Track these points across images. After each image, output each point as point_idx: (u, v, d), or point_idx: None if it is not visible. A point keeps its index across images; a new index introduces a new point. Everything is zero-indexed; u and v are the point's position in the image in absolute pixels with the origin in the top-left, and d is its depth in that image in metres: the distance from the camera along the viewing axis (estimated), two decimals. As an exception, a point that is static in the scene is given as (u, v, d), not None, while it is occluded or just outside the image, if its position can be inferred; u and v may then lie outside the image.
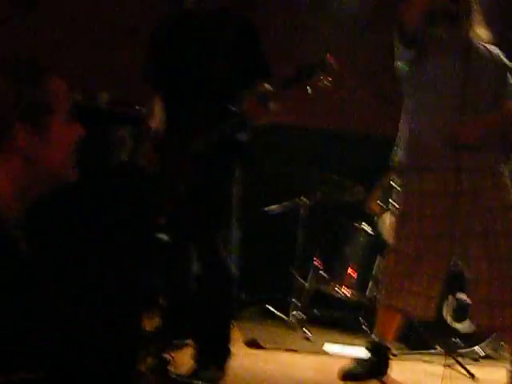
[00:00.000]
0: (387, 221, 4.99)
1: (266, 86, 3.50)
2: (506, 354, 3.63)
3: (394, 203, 3.71)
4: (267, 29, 5.71)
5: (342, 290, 5.04)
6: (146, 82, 3.79)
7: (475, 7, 3.54)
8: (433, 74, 3.51)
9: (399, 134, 3.68)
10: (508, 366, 3.52)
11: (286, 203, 5.23)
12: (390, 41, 5.74)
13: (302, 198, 5.15)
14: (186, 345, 3.73)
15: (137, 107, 4.86)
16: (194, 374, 3.42)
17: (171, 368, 3.32)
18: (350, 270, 5.05)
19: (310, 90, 3.36)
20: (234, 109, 3.47)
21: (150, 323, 3.52)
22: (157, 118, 3.72)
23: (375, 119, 6.05)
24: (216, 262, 3.53)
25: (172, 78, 3.60)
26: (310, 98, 5.45)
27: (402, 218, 3.58)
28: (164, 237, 3.39)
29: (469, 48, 3.49)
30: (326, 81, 3.32)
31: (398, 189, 3.76)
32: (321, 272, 5.11)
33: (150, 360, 3.29)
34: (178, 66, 3.57)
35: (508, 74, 3.61)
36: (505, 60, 3.64)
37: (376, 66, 6.03)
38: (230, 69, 3.57)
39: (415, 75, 3.58)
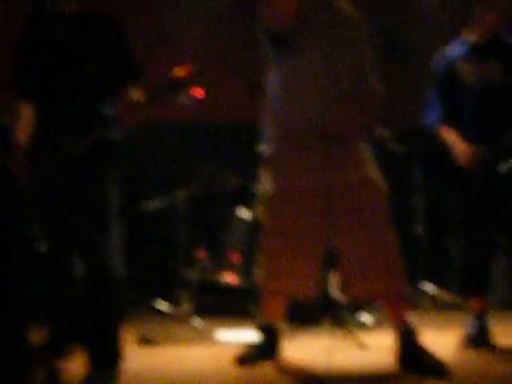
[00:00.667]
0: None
1: (138, 94, 3.52)
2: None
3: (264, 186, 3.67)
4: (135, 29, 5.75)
5: (228, 277, 5.10)
6: (14, 88, 3.73)
7: None
8: (300, 61, 3.52)
9: (265, 122, 3.69)
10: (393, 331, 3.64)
11: (163, 198, 5.23)
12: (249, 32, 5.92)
13: (178, 191, 5.17)
14: (77, 351, 3.68)
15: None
16: (88, 380, 3.39)
17: (63, 377, 3.28)
18: (233, 257, 5.11)
19: (185, 101, 3.40)
20: (107, 111, 3.47)
21: (38, 335, 3.48)
22: (25, 125, 3.65)
23: (242, 107, 6.13)
24: (97, 264, 3.50)
25: (40, 81, 3.54)
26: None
27: (274, 198, 3.60)
28: (39, 244, 3.35)
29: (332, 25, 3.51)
30: (199, 91, 3.36)
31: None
32: (205, 262, 5.15)
33: (40, 373, 3.24)
34: (46, 68, 3.50)
35: (366, 49, 3.60)
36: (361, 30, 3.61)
37: (239, 54, 6.11)
38: (100, 68, 3.54)
39: (283, 65, 3.58)
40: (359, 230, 3.45)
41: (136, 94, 3.50)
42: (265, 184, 3.64)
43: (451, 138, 4.08)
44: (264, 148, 3.70)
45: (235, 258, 5.12)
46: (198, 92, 3.38)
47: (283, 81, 3.56)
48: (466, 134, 4.03)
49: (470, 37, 4.18)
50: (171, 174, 5.33)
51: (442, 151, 4.10)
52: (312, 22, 3.53)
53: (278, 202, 3.56)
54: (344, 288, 3.58)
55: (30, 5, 3.75)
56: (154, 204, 5.25)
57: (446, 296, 5.32)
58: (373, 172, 3.55)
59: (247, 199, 5.21)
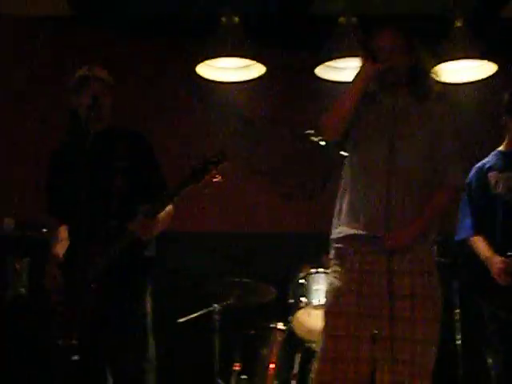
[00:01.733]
0: (301, 318, 5.05)
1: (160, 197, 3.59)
2: None
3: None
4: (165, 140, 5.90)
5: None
6: (48, 211, 3.82)
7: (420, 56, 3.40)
8: (361, 163, 3.37)
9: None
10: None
11: (199, 312, 5.22)
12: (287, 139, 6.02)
13: (214, 304, 5.17)
14: None
15: (43, 230, 4.86)
16: None
17: None
18: (269, 370, 5.05)
19: (207, 189, 3.44)
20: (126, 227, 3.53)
21: None
22: (63, 242, 3.72)
23: (280, 218, 6.18)
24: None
25: (71, 202, 3.61)
26: (215, 202, 5.56)
27: (337, 295, 3.35)
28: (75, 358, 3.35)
29: (399, 115, 3.34)
30: (220, 176, 3.41)
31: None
32: (242, 376, 5.09)
33: None
34: (76, 188, 3.53)
35: (452, 139, 3.41)
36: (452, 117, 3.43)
37: (276, 164, 6.19)
38: (127, 185, 3.63)
39: (349, 165, 3.45)
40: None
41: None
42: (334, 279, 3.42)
43: (484, 251, 4.06)
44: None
45: (271, 370, 5.06)
46: (219, 179, 3.42)
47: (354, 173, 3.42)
48: (500, 246, 4.01)
49: (504, 147, 4.22)
50: (209, 285, 5.33)
51: (477, 264, 4.07)
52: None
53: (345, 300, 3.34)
54: None
55: (69, 125, 3.88)
56: (190, 318, 5.23)
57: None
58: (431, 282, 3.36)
59: (283, 311, 5.18)
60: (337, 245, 3.41)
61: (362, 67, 3.30)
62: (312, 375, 3.40)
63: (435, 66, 4.98)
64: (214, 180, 3.42)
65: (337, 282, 3.36)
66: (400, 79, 3.36)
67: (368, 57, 3.26)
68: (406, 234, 3.27)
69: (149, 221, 3.49)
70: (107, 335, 3.52)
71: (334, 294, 3.37)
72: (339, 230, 3.40)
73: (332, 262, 3.44)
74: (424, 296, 3.29)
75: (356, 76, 3.32)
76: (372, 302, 3.29)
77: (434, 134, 3.34)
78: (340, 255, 3.40)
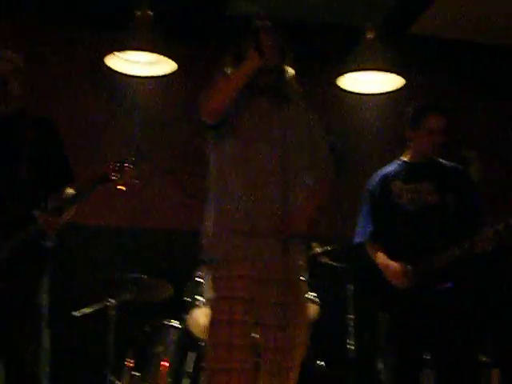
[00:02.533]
0: (196, 316, 5.05)
1: (66, 192, 3.53)
2: None
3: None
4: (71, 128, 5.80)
5: (158, 387, 5.01)
6: None
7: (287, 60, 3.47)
8: (241, 153, 3.33)
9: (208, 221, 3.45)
10: None
11: (94, 306, 5.15)
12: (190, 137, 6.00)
13: (109, 299, 5.11)
14: None
15: None
16: None
17: None
18: (162, 367, 5.03)
19: (122, 188, 3.41)
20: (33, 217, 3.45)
21: None
22: None
23: (181, 215, 6.16)
24: (25, 377, 3.42)
25: None
26: (118, 197, 5.51)
27: (219, 304, 3.32)
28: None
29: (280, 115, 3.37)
30: (135, 177, 3.38)
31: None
32: (133, 372, 5.05)
33: None
34: None
35: (318, 130, 3.52)
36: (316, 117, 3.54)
37: (177, 163, 6.18)
38: (33, 172, 3.55)
39: (220, 158, 3.40)
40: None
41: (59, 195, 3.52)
42: (207, 292, 3.41)
43: (380, 256, 4.15)
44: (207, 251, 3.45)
45: (164, 367, 5.04)
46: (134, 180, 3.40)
47: (232, 170, 3.36)
48: (398, 255, 4.11)
49: (408, 158, 4.32)
50: (103, 280, 5.27)
51: (372, 269, 4.17)
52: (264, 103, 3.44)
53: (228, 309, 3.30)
54: None
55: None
56: (84, 310, 5.16)
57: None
58: (301, 288, 3.43)
59: (178, 309, 5.17)
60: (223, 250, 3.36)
61: (250, 58, 3.31)
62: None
63: (343, 74, 5.14)
64: (130, 181, 3.40)
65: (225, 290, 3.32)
66: (270, 84, 3.44)
67: (257, 50, 3.28)
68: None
69: (57, 216, 3.43)
70: (1, 327, 3.44)
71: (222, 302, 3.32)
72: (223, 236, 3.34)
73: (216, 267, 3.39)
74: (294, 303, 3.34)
75: (242, 65, 3.34)
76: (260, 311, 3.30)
77: (307, 136, 3.44)
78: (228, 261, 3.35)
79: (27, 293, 3.51)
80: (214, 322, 3.32)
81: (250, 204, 3.28)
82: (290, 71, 3.50)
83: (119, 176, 3.41)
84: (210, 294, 3.38)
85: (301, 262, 3.41)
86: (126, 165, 3.41)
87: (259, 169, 3.30)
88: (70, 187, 3.67)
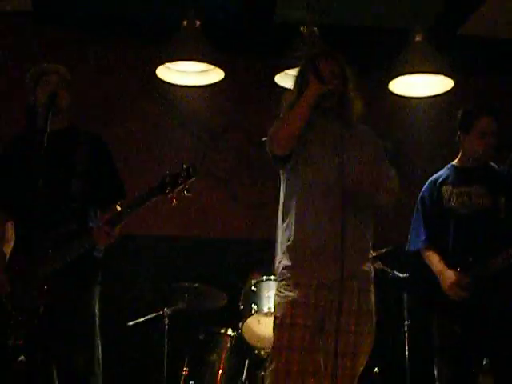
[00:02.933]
0: (251, 325, 5.06)
1: (116, 207, 3.58)
2: None
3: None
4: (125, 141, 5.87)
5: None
6: None
7: (350, 85, 3.55)
8: (308, 177, 3.46)
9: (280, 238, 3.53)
10: None
11: (148, 315, 5.20)
12: (242, 146, 6.03)
13: (164, 308, 5.15)
14: None
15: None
16: None
17: None
18: (217, 375, 5.05)
19: (174, 201, 3.45)
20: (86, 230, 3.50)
21: None
22: (8, 240, 3.67)
23: (233, 224, 6.18)
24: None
25: (23, 199, 3.56)
26: (172, 207, 5.55)
27: (293, 307, 3.39)
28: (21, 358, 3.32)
29: (342, 137, 3.46)
30: (188, 189, 3.42)
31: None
32: (191, 381, 5.07)
33: None
34: (30, 184, 3.48)
35: (384, 154, 3.62)
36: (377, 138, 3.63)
37: (230, 171, 6.20)
38: (85, 187, 3.60)
39: (294, 181, 3.51)
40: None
41: (112, 211, 3.60)
42: (278, 299, 3.48)
43: (436, 264, 4.10)
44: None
45: (219, 376, 5.06)
46: (187, 193, 3.43)
47: (298, 190, 3.50)
48: (452, 259, 4.06)
49: (458, 162, 4.27)
50: (159, 289, 5.31)
51: (429, 277, 4.11)
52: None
53: (288, 318, 3.39)
54: None
55: (26, 121, 3.83)
56: (139, 319, 5.20)
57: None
58: (372, 299, 3.49)
59: (233, 317, 5.18)
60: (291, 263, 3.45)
61: (311, 86, 3.42)
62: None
63: (393, 79, 5.10)
64: (182, 194, 3.44)
65: (291, 294, 3.40)
66: (334, 106, 3.53)
67: (317, 77, 3.40)
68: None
69: (111, 229, 3.48)
70: (55, 336, 3.48)
71: (289, 306, 3.40)
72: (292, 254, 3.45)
73: (285, 274, 3.47)
74: (367, 312, 3.43)
75: (305, 94, 3.43)
76: (324, 315, 3.37)
77: (370, 154, 3.53)
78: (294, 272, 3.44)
79: (79, 303, 3.55)
80: (278, 325, 3.42)
81: (316, 226, 3.41)
82: (353, 95, 3.57)
83: (172, 189, 3.44)
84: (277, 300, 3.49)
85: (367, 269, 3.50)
86: (179, 178, 3.43)
87: (327, 195, 3.41)
88: (121, 203, 3.72)
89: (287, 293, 3.42)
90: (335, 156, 3.43)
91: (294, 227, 3.45)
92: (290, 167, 3.52)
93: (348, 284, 3.37)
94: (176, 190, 3.43)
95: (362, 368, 3.45)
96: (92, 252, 3.59)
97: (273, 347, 3.42)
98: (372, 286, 3.52)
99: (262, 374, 4.79)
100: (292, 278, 3.42)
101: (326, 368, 3.37)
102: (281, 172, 3.61)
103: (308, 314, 3.36)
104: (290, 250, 3.45)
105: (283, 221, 3.52)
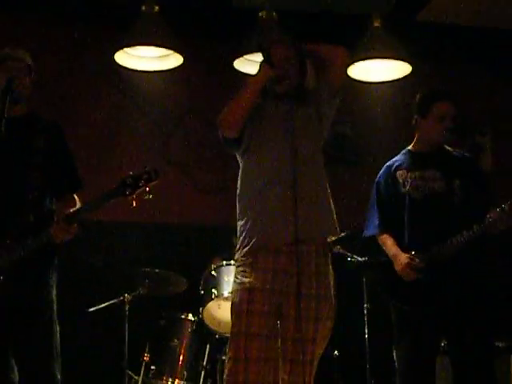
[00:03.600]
0: (211, 309, 5.08)
1: (73, 198, 3.58)
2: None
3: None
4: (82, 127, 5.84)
5: (175, 382, 5.04)
6: None
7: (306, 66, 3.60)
8: (262, 162, 3.49)
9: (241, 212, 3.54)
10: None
11: (109, 301, 5.19)
12: (202, 132, 6.03)
13: (125, 294, 5.14)
14: None
15: None
16: None
17: None
18: (180, 361, 5.07)
19: (134, 203, 3.44)
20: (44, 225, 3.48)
21: None
22: None
23: (193, 210, 6.18)
24: (42, 374, 3.46)
25: None
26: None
27: (250, 293, 3.42)
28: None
29: (295, 128, 3.50)
30: (149, 192, 3.42)
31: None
32: (152, 367, 5.08)
33: None
34: None
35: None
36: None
37: (190, 157, 6.20)
38: (42, 177, 3.58)
39: (247, 165, 3.57)
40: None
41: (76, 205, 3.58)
42: (235, 285, 3.51)
43: (391, 248, 4.15)
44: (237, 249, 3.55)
45: (181, 361, 5.07)
46: (148, 195, 3.43)
47: (248, 179, 3.55)
48: (407, 244, 4.10)
49: (413, 146, 4.31)
50: (120, 275, 5.30)
51: (385, 261, 4.16)
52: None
53: (245, 305, 3.41)
54: None
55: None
56: (100, 305, 5.19)
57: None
58: (331, 282, 3.50)
59: (193, 302, 5.20)
60: (247, 248, 3.47)
61: (260, 69, 3.52)
62: (225, 376, 3.41)
63: (351, 64, 5.13)
64: (143, 197, 3.43)
65: (247, 280, 3.42)
66: (289, 92, 3.57)
67: (266, 61, 3.49)
68: None
69: (70, 226, 3.47)
70: (13, 324, 3.47)
71: (245, 292, 3.42)
72: (249, 234, 3.47)
73: (240, 259, 3.49)
74: (325, 296, 3.44)
75: (253, 77, 3.55)
76: (281, 300, 3.40)
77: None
78: (252, 254, 3.46)
79: (37, 290, 3.53)
80: (235, 312, 3.44)
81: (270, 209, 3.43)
82: (310, 80, 3.63)
83: (132, 191, 3.44)
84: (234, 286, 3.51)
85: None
86: (140, 180, 3.43)
87: (280, 170, 3.46)
88: (78, 196, 3.72)
89: (243, 279, 3.43)
90: (287, 135, 3.48)
91: (248, 207, 3.49)
92: (243, 151, 3.56)
93: (303, 248, 3.41)
94: (136, 192, 3.42)
95: (321, 352, 3.46)
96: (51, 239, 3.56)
97: (231, 333, 3.44)
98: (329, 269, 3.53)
99: (223, 358, 4.81)
100: (248, 264, 3.43)
101: (285, 354, 3.40)
102: (237, 157, 3.64)
103: (265, 300, 3.38)
104: (245, 230, 3.48)
105: (239, 203, 3.55)
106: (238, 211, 3.56)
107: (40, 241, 3.45)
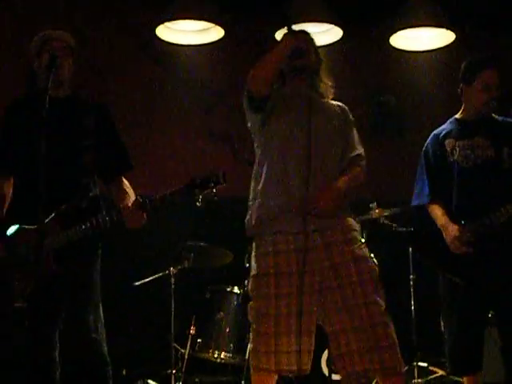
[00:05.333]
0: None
1: (122, 180, 3.65)
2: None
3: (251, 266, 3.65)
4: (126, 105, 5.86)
5: (222, 355, 5.07)
6: None
7: (323, 64, 3.72)
8: (278, 138, 3.57)
9: (251, 197, 3.68)
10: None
11: (156, 275, 5.23)
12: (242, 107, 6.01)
13: (171, 268, 5.18)
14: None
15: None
16: None
17: None
18: (224, 333, 5.11)
19: (199, 203, 3.48)
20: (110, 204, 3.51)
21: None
22: (4, 202, 3.69)
23: (238, 182, 6.18)
24: (88, 344, 3.51)
25: (28, 164, 3.55)
26: (172, 166, 5.54)
27: (257, 280, 3.57)
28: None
29: (312, 105, 3.60)
30: (214, 194, 3.46)
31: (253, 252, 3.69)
32: (198, 340, 5.12)
33: None
34: (33, 150, 3.34)
35: (354, 131, 3.71)
36: (351, 116, 3.73)
37: (232, 130, 6.20)
38: (94, 161, 3.61)
39: (263, 140, 3.64)
40: (349, 309, 3.42)
41: (127, 187, 3.65)
42: (252, 264, 3.62)
43: (440, 218, 4.11)
44: (249, 225, 3.66)
45: (227, 334, 5.11)
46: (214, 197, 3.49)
47: (265, 153, 3.62)
48: (456, 213, 4.06)
49: (460, 115, 4.26)
50: (165, 249, 5.33)
51: (433, 231, 4.12)
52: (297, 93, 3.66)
53: (263, 283, 3.52)
54: (339, 365, 3.54)
55: (27, 84, 3.80)
56: (146, 279, 5.24)
57: (440, 373, 5.29)
58: (360, 249, 3.53)
59: (238, 275, 5.22)
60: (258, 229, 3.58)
61: (283, 38, 3.60)
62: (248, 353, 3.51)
63: (394, 33, 5.07)
64: (210, 197, 3.48)
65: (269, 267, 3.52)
66: (306, 70, 3.66)
67: (290, 31, 3.54)
68: (324, 195, 3.48)
69: (142, 214, 3.51)
70: (60, 300, 3.53)
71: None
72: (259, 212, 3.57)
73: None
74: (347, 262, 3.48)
75: (278, 44, 3.60)
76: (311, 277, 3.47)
77: (339, 126, 3.66)
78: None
79: (85, 270, 3.59)
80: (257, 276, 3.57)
81: (283, 187, 3.52)
82: (324, 72, 3.74)
83: (200, 192, 3.49)
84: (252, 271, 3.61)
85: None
86: (210, 183, 3.48)
87: (293, 156, 3.53)
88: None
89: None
90: (304, 122, 3.55)
91: (261, 186, 3.58)
92: (262, 124, 3.62)
93: (313, 237, 3.47)
94: (204, 193, 3.46)
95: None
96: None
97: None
98: (359, 236, 3.59)
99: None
100: (267, 244, 3.53)
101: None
102: (254, 137, 3.71)
103: (286, 284, 3.47)
104: (255, 210, 3.59)
105: (255, 181, 3.65)
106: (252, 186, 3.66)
107: (111, 222, 3.50)
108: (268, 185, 3.56)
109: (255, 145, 3.71)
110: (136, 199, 3.54)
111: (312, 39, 3.73)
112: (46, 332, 3.56)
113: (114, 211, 3.52)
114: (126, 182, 3.77)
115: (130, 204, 3.54)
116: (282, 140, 3.56)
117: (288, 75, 3.67)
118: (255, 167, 3.67)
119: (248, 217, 3.65)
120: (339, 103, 3.76)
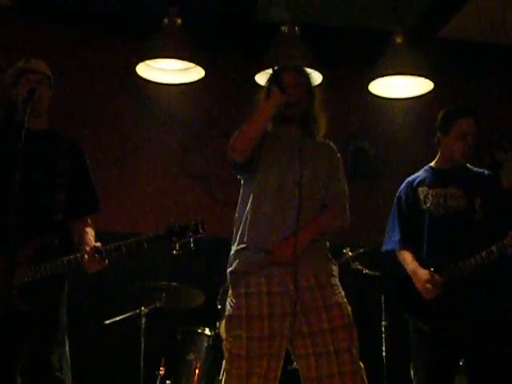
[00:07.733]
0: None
1: (87, 220, 3.61)
2: None
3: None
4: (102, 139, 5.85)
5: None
6: None
7: (316, 102, 3.67)
8: (269, 189, 3.53)
9: (234, 238, 3.64)
10: None
11: (126, 314, 5.18)
12: (222, 145, 6.02)
13: (142, 307, 5.13)
14: None
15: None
16: None
17: None
18: (195, 376, 5.04)
19: (176, 251, 3.46)
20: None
21: None
22: None
23: (211, 222, 6.15)
24: (51, 383, 3.45)
25: (1, 196, 3.49)
26: (148, 205, 5.51)
27: (230, 321, 3.53)
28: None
29: (302, 152, 3.56)
30: (194, 244, 3.45)
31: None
32: (168, 381, 5.06)
33: None
34: (7, 181, 3.26)
35: (341, 168, 3.68)
36: (338, 155, 3.70)
37: (209, 170, 6.20)
38: (66, 199, 3.60)
39: (251, 189, 3.58)
40: (319, 355, 3.40)
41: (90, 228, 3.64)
42: (227, 304, 3.59)
43: (410, 263, 4.11)
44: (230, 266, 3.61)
45: (197, 376, 5.05)
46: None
47: (253, 196, 3.56)
48: (426, 260, 4.07)
49: (435, 163, 4.28)
50: (137, 288, 5.28)
51: (402, 277, 4.13)
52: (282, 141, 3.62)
53: (235, 325, 3.48)
54: None
55: (3, 115, 3.77)
56: (116, 317, 5.18)
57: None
58: (334, 294, 3.49)
59: (210, 316, 5.17)
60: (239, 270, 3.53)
61: (271, 95, 3.49)
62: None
63: (373, 80, 5.11)
64: (188, 247, 3.47)
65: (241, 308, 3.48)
66: (297, 116, 3.63)
67: (278, 87, 3.45)
68: (287, 245, 3.44)
69: (103, 259, 3.48)
70: (23, 339, 3.47)
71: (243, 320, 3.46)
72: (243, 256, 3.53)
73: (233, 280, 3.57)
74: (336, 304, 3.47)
75: (264, 103, 3.53)
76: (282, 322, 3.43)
77: (326, 168, 3.63)
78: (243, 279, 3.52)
79: (51, 307, 3.55)
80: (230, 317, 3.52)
81: (271, 228, 3.48)
82: (318, 111, 3.69)
83: (178, 240, 3.47)
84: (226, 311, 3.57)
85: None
86: (188, 232, 3.46)
87: (284, 199, 3.49)
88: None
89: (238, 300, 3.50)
90: (292, 163, 3.53)
91: (247, 229, 3.52)
92: (252, 175, 3.57)
93: (285, 282, 3.44)
94: (182, 242, 3.45)
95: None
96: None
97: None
98: (334, 280, 3.54)
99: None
100: (241, 286, 3.50)
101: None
102: (241, 179, 3.68)
103: (257, 327, 3.42)
104: (240, 254, 3.54)
105: (236, 222, 3.61)
106: (234, 234, 3.61)
107: (70, 267, 3.46)
108: (253, 230, 3.50)
109: (242, 189, 3.66)
110: (94, 246, 3.50)
111: (306, 76, 3.70)
112: (6, 370, 3.50)
113: (80, 253, 3.49)
114: (89, 222, 3.76)
115: (88, 249, 3.50)
116: (272, 191, 3.51)
117: (277, 119, 3.61)
118: (241, 207, 3.62)
119: (231, 255, 3.60)
120: (328, 142, 3.73)
